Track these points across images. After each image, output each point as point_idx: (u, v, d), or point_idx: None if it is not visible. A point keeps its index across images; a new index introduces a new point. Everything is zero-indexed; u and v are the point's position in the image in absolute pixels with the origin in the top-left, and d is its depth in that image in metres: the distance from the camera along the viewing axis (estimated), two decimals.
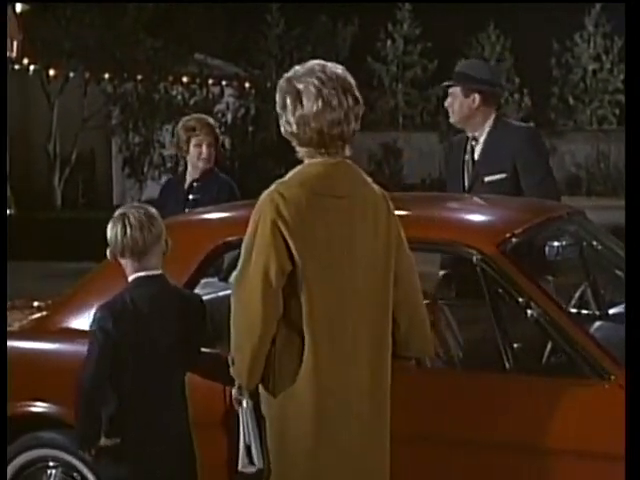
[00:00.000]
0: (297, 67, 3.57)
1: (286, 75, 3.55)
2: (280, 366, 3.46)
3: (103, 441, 3.75)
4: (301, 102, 3.48)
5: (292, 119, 3.50)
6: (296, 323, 3.44)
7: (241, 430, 3.51)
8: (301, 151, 3.57)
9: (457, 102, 5.58)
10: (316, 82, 3.47)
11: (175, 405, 3.83)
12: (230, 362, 3.50)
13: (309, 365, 3.44)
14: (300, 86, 3.48)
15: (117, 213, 3.88)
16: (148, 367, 3.77)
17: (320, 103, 3.47)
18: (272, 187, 3.50)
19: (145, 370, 3.77)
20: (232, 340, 3.48)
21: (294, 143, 3.57)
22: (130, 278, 3.86)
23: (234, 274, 3.54)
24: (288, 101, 3.51)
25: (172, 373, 3.82)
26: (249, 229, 3.47)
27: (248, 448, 3.49)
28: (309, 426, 3.45)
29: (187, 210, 5.92)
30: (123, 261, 3.85)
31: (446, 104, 5.65)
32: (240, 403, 3.53)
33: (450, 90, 5.62)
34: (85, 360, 3.76)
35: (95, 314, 3.80)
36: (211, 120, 6.37)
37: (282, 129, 3.56)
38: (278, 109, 3.56)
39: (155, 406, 3.78)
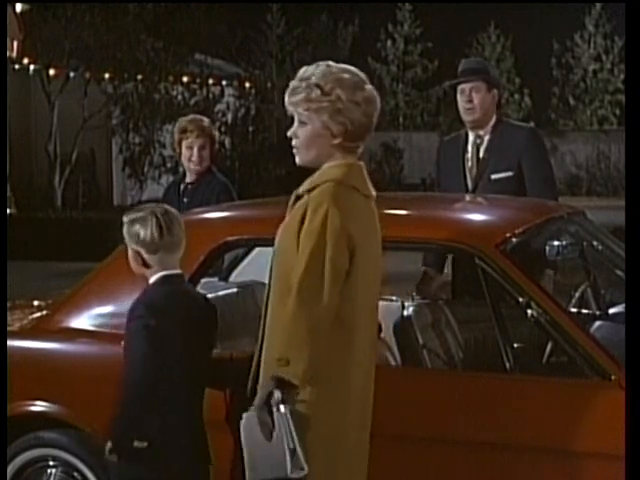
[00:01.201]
0: (334, 68, 3.52)
1: (346, 76, 3.49)
2: (329, 366, 3.41)
3: (137, 443, 3.68)
4: (370, 98, 3.53)
5: (373, 112, 3.52)
6: (342, 322, 3.41)
7: (283, 435, 3.35)
8: (333, 147, 3.49)
9: (480, 97, 5.51)
10: (365, 78, 3.56)
11: (194, 406, 3.80)
12: (282, 362, 3.34)
13: (354, 364, 3.44)
14: (366, 84, 3.53)
15: (141, 214, 3.81)
16: (174, 366, 3.73)
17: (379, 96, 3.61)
18: (326, 184, 3.44)
19: (171, 369, 3.72)
20: (287, 339, 3.35)
21: (346, 141, 3.49)
22: (155, 276, 3.80)
23: (294, 273, 3.41)
24: (364, 95, 3.50)
25: (192, 372, 3.78)
26: (314, 227, 3.36)
27: (292, 452, 3.35)
28: (346, 427, 3.46)
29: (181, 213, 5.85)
30: (153, 258, 3.79)
31: (464, 100, 5.53)
32: (277, 407, 3.35)
33: (468, 86, 5.52)
34: (131, 360, 3.69)
35: (132, 312, 3.74)
36: (206, 121, 6.19)
37: (347, 125, 3.47)
38: (344, 105, 3.46)
39: (178, 407, 3.75)
